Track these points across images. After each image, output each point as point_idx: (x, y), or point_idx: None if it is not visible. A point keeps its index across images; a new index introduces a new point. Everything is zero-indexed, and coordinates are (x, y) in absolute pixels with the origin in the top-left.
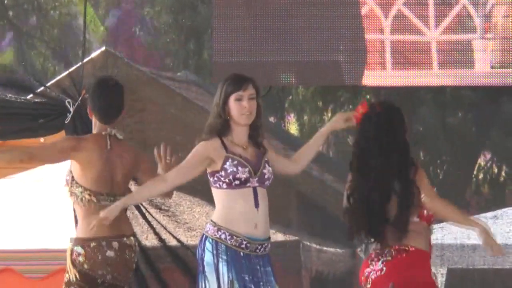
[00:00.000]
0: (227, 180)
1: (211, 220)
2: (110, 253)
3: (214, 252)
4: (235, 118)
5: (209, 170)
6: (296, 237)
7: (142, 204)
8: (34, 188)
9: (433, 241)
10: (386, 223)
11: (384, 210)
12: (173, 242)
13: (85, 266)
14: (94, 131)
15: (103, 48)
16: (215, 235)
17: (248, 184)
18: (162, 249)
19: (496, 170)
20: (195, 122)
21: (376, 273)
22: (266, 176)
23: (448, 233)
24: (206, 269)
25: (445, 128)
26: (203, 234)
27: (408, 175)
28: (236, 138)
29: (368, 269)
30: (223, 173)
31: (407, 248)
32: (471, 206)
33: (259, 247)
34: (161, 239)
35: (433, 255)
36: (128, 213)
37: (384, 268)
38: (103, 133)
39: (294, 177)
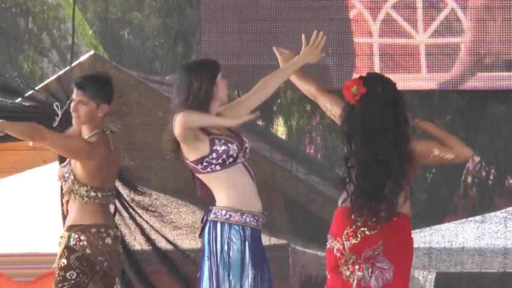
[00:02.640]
0: (220, 161)
1: (225, 207)
2: (108, 241)
3: (242, 240)
4: (220, 96)
5: (193, 159)
6: (285, 241)
7: (130, 205)
8: (21, 191)
9: (421, 244)
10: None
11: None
12: (161, 243)
13: (88, 251)
14: (91, 129)
15: (92, 52)
16: (240, 220)
17: (238, 161)
18: (150, 250)
19: (484, 174)
20: None
21: (369, 230)
22: (248, 150)
23: (436, 231)
24: (232, 261)
25: None
26: (223, 223)
27: (404, 151)
28: None
29: (356, 224)
30: (214, 154)
31: (398, 212)
32: (459, 210)
33: (263, 221)
34: (149, 239)
35: (420, 253)
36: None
37: (378, 227)
38: (105, 130)
39: (281, 180)
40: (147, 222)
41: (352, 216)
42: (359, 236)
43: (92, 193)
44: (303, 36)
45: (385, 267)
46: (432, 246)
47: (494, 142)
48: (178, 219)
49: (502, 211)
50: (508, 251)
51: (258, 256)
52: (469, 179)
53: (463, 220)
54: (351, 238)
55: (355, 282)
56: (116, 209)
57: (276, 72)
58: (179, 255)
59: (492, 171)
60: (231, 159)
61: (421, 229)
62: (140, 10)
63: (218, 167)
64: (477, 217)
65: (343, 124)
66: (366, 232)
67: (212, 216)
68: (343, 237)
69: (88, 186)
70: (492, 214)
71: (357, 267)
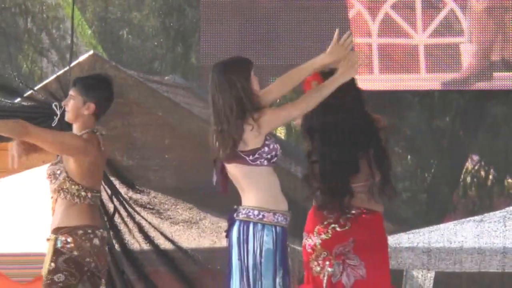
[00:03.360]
0: (269, 156)
1: (257, 207)
2: (96, 241)
3: (274, 239)
4: (256, 92)
5: (248, 148)
6: None
7: (128, 203)
8: (21, 191)
9: (420, 243)
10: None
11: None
12: (160, 240)
13: (75, 252)
14: (80, 127)
15: (91, 52)
16: (273, 220)
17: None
18: (149, 249)
19: (483, 174)
20: (182, 125)
21: (340, 227)
22: None
23: (435, 230)
24: (264, 261)
25: (433, 132)
26: (256, 223)
27: (380, 140)
28: None
29: (327, 220)
30: (266, 149)
31: (368, 209)
32: (459, 209)
33: (289, 219)
34: (147, 237)
35: (419, 252)
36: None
37: (349, 224)
38: (95, 131)
39: (281, 179)
40: (145, 219)
41: (325, 213)
42: (330, 232)
43: (83, 193)
44: (336, 31)
45: (356, 263)
46: (431, 245)
47: (494, 142)
48: (176, 215)
49: (502, 210)
50: (507, 250)
51: (285, 255)
52: (469, 179)
53: (462, 219)
54: (322, 234)
55: (325, 278)
56: (115, 208)
57: (304, 65)
58: (180, 255)
59: (492, 170)
60: (275, 159)
61: (421, 229)
62: (139, 10)
63: (265, 162)
64: (476, 217)
65: (304, 119)
66: (337, 229)
67: (242, 216)
68: (314, 233)
69: (80, 185)
70: (491, 213)
71: (327, 263)
